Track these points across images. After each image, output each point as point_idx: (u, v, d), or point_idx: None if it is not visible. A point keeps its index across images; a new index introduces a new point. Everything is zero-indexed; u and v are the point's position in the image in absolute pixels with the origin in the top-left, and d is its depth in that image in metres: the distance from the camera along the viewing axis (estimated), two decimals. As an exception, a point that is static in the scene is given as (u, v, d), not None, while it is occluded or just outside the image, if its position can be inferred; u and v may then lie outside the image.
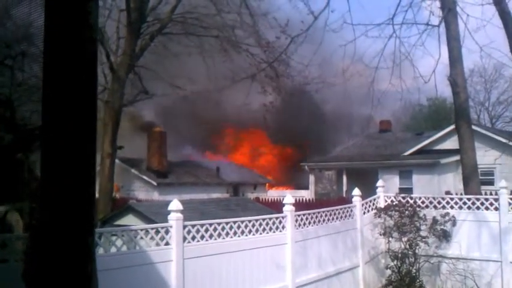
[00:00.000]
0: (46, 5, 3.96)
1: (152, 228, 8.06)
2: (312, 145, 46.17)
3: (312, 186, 33.76)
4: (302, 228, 10.94)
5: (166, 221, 8.32)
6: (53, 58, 3.89)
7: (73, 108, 3.84)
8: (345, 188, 30.91)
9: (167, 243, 8.12)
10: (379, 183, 14.26)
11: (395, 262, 12.58)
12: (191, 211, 10.60)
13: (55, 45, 3.88)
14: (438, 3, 15.66)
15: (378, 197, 13.81)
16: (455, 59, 15.70)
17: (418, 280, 12.51)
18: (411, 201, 13.13)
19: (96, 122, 4.07)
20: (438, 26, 14.91)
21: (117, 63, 22.22)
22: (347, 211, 12.57)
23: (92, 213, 3.96)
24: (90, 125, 3.95)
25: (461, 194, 14.92)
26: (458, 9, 15.33)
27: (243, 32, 22.27)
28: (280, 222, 10.41)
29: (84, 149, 3.88)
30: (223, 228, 9.08)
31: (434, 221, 12.51)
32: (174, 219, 8.22)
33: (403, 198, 13.41)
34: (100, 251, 7.08)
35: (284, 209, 10.67)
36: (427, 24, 14.69)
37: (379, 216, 12.99)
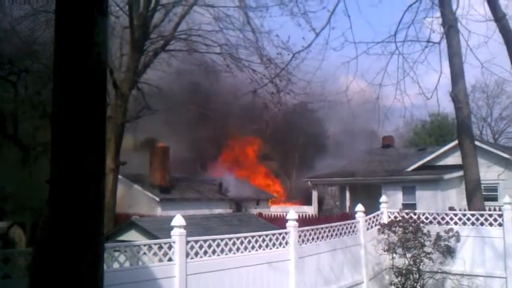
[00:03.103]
0: (55, 23, 4.02)
1: (155, 244, 8.03)
2: (315, 161, 46.10)
3: (315, 202, 33.65)
4: (305, 244, 10.90)
5: (169, 236, 8.30)
6: (63, 75, 3.94)
7: (83, 123, 3.88)
8: (348, 204, 30.81)
9: (170, 259, 8.09)
10: (383, 199, 14.23)
11: (399, 278, 12.50)
12: (194, 227, 10.57)
13: (64, 62, 3.93)
14: (440, 20, 15.74)
15: (382, 213, 13.77)
16: (457, 75, 15.73)
17: (422, 297, 12.43)
18: (415, 217, 13.09)
19: (105, 136, 4.11)
20: (439, 43, 14.98)
21: (120, 79, 22.36)
22: (350, 227, 12.52)
23: (101, 229, 3.97)
24: (99, 140, 3.99)
25: (464, 210, 14.87)
26: (459, 26, 15.41)
27: (245, 49, 22.42)
28: (283, 238, 10.38)
29: (93, 165, 3.91)
30: (226, 244, 9.05)
31: (438, 236, 12.45)
32: (177, 234, 8.20)
33: (407, 214, 13.35)
34: (103, 266, 7.05)
35: (287, 224, 10.64)
36: (428, 41, 14.76)
37: (383, 232, 12.93)
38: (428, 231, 12.52)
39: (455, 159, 24.69)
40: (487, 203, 17.26)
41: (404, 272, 12.44)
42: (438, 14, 15.88)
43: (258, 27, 20.94)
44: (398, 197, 28.54)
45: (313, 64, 14.17)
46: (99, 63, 4.00)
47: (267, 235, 10.04)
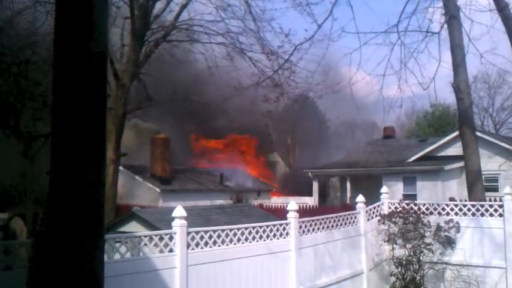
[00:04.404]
0: (56, 13, 4.01)
1: (156, 235, 8.06)
2: (317, 151, 46.10)
3: (315, 193, 33.69)
4: (306, 234, 10.93)
5: (170, 227, 8.32)
6: (63, 64, 3.94)
7: (83, 114, 3.88)
8: (348, 195, 30.86)
9: (171, 250, 8.12)
10: (383, 189, 14.23)
11: (399, 269, 12.54)
12: (195, 218, 10.60)
13: (64, 52, 3.93)
14: (442, 10, 15.67)
15: (382, 204, 13.78)
16: (458, 65, 15.70)
17: (422, 287, 12.46)
18: (415, 208, 13.09)
19: (106, 128, 4.11)
20: (438, 33, 14.94)
21: (121, 70, 22.32)
22: (351, 218, 12.54)
23: (101, 219, 3.98)
24: (99, 131, 4.00)
25: (465, 201, 14.88)
26: (462, 15, 15.36)
27: (247, 39, 22.35)
28: (284, 229, 10.40)
29: (93, 155, 3.92)
30: (227, 235, 9.08)
31: (438, 227, 12.46)
32: (178, 225, 8.22)
33: (407, 204, 13.36)
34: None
35: (288, 215, 10.66)
36: (427, 31, 14.71)
37: (383, 223, 12.96)
38: (429, 221, 12.53)
39: (456, 149, 24.73)
40: (487, 194, 17.29)
41: (404, 262, 12.48)
42: (440, 3, 15.84)
43: (260, 18, 20.87)
44: (399, 187, 28.56)
45: (316, 52, 14.17)
46: (99, 52, 3.99)
47: (267, 226, 10.06)
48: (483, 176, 16.21)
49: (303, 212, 16.69)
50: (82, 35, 3.92)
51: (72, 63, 3.92)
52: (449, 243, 12.46)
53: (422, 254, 12.38)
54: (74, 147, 3.86)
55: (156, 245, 7.95)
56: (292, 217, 10.59)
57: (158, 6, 23.26)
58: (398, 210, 13.14)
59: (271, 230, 10.08)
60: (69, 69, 3.92)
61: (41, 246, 3.87)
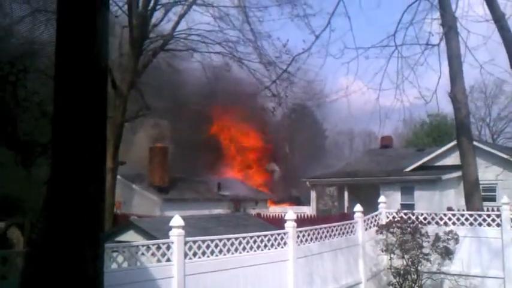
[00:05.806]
0: (57, 22, 4.01)
1: (153, 244, 8.03)
2: (314, 161, 46.11)
3: (313, 203, 33.65)
4: (304, 244, 10.90)
5: (167, 237, 8.30)
6: (64, 74, 3.94)
7: (84, 123, 3.87)
8: (346, 204, 30.81)
9: (168, 260, 8.09)
10: (381, 199, 14.22)
11: (397, 279, 12.50)
12: (192, 227, 10.56)
13: (66, 61, 3.93)
14: (439, 21, 15.72)
15: (380, 213, 13.75)
16: (456, 75, 15.73)
17: (420, 297, 12.43)
18: (413, 218, 13.07)
19: (106, 136, 4.11)
20: (437, 45, 14.97)
21: (119, 79, 22.34)
22: (349, 227, 12.52)
23: (102, 229, 3.96)
24: (100, 140, 3.99)
25: (463, 210, 14.85)
26: (459, 26, 15.40)
27: (245, 48, 22.48)
28: (282, 238, 10.38)
29: (94, 165, 3.91)
30: (224, 245, 9.06)
31: (437, 238, 12.42)
32: (176, 235, 8.20)
33: (405, 214, 13.33)
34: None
35: (286, 225, 10.64)
36: (427, 44, 14.74)
37: (381, 233, 12.92)
38: (427, 232, 12.50)
39: (454, 159, 24.72)
40: (485, 203, 17.28)
41: (402, 272, 12.43)
42: (437, 14, 15.88)
43: (258, 28, 21.02)
44: (397, 197, 28.56)
45: (314, 63, 14.27)
46: (99, 62, 3.99)
47: (265, 235, 10.04)
48: (481, 186, 16.20)
49: (301, 221, 16.67)
50: (84, 43, 3.92)
51: (73, 72, 3.91)
52: (447, 253, 12.40)
53: (420, 264, 12.34)
54: (75, 156, 3.85)
55: (153, 254, 7.93)
56: (290, 227, 10.57)
57: (156, 15, 23.40)
58: (396, 220, 13.11)
59: (269, 240, 10.06)
60: (70, 78, 3.92)
61: (38, 256, 3.85)
